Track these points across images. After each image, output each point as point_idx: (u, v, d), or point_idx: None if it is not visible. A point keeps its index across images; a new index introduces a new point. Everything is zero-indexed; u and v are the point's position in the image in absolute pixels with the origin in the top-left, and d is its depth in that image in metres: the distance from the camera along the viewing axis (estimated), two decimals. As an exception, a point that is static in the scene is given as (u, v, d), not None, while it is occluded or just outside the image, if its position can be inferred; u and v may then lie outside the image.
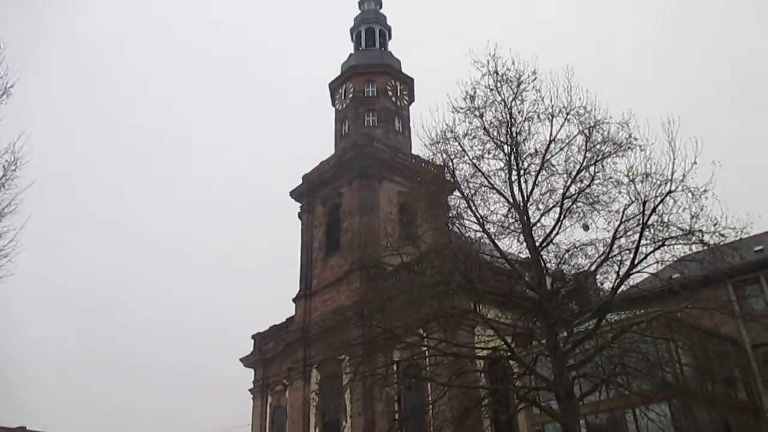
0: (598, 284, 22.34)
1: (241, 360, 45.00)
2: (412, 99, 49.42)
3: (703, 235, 16.13)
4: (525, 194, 19.16)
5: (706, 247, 16.37)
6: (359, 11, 52.95)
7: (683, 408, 21.15)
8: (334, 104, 49.57)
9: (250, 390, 44.02)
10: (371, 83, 47.18)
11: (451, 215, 21.66)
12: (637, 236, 16.78)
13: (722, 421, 24.47)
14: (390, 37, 52.26)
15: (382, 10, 53.25)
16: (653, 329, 20.50)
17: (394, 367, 24.50)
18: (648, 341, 19.59)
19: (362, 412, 32.52)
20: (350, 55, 50.71)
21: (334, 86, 49.22)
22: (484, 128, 20.28)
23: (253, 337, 45.22)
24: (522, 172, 19.44)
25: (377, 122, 45.54)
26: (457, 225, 21.38)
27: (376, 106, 46.25)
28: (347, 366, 31.45)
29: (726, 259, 16.21)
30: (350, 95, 47.38)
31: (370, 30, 51.18)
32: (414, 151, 41.87)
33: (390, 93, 47.24)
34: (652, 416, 20.18)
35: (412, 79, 49.26)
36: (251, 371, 44.52)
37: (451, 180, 21.67)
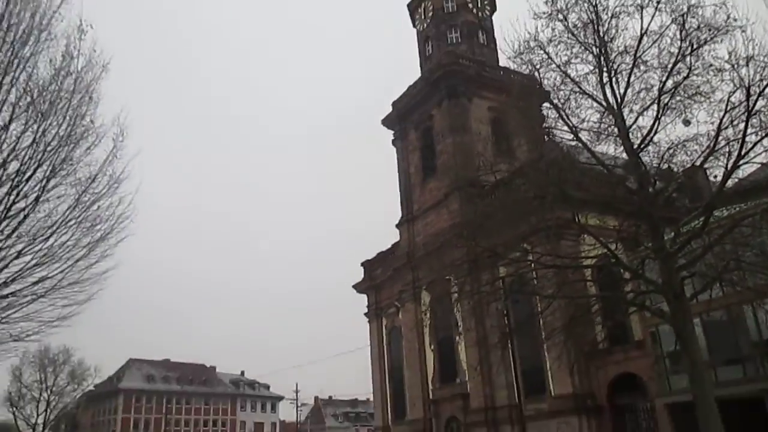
0: (707, 179, 21.39)
1: (354, 287, 47.09)
2: (494, 8, 47.59)
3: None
4: (618, 96, 18.31)
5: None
6: None
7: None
8: (414, 25, 48.65)
9: (365, 314, 46.19)
10: (450, -2, 45.72)
11: (545, 126, 21.22)
12: (743, 125, 15.78)
13: None
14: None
15: None
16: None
17: (500, 283, 24.77)
18: (764, 233, 18.68)
19: (473, 327, 33.45)
20: (426, -30, 49.11)
21: (413, 6, 48.14)
22: (569, 31, 19.31)
23: (362, 264, 47.07)
24: (613, 72, 18.51)
25: (461, 38, 44.40)
26: (551, 136, 20.94)
27: (457, 21, 44.99)
28: (455, 285, 32.23)
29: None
30: (430, 13, 46.31)
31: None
32: (501, 63, 40.73)
33: (470, 5, 45.71)
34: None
35: (492, -13, 47.27)
36: (364, 297, 46.56)
37: (542, 89, 21.09)
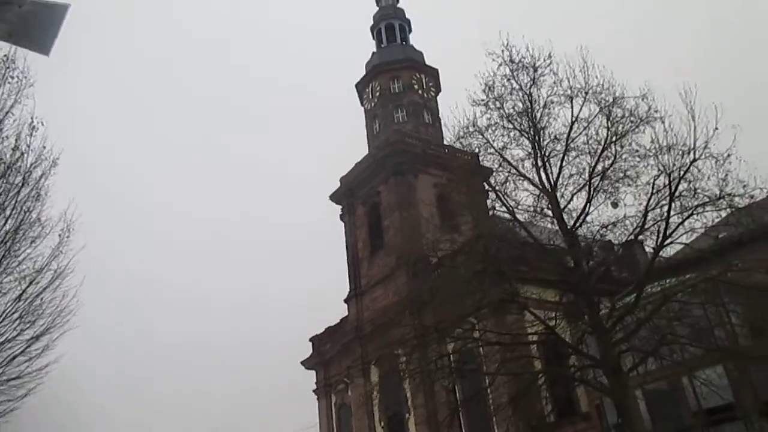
0: (644, 251, 22.52)
1: (302, 363, 46.37)
2: (438, 89, 49.75)
3: (732, 199, 16.25)
4: (552, 179, 19.49)
5: (733, 210, 16.47)
6: (377, 8, 53.41)
7: (738, 369, 21.13)
8: (362, 104, 50.31)
9: (314, 391, 45.35)
10: (396, 79, 47.77)
11: (488, 203, 22.20)
12: (666, 208, 16.96)
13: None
14: (410, 30, 52.63)
15: (399, 5, 53.62)
16: (700, 294, 20.61)
17: (447, 359, 25.09)
18: (695, 308, 19.71)
19: (423, 403, 33.32)
20: (373, 53, 51.25)
21: (361, 86, 49.93)
22: (506, 118, 20.65)
23: (311, 339, 46.54)
24: (547, 157, 19.75)
25: (407, 117, 46.10)
26: (494, 212, 21.90)
27: (404, 102, 46.80)
28: (403, 361, 32.29)
29: (758, 218, 16.28)
30: (377, 93, 48.05)
31: (390, 26, 51.63)
32: (446, 141, 42.31)
33: (416, 86, 47.70)
34: (706, 380, 20.31)
35: (436, 70, 49.61)
36: (312, 373, 45.85)
37: (483, 168, 22.20)
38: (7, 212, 12.24)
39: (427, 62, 49.96)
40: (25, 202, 12.63)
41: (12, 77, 12.49)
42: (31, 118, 12.95)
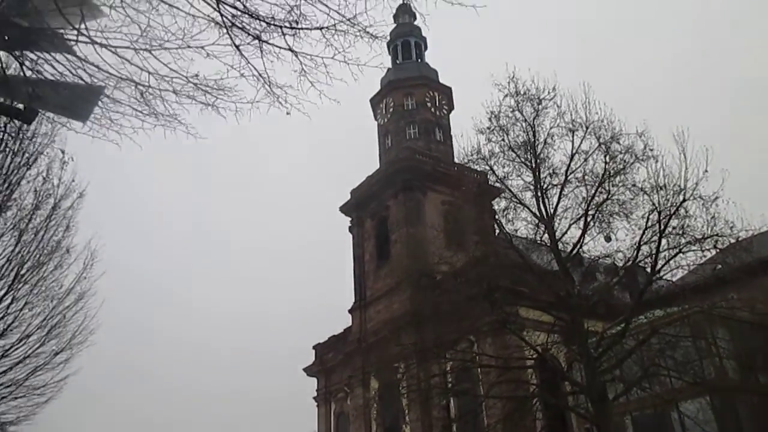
0: (639, 281, 23.20)
1: (304, 370, 47.25)
2: (451, 107, 50.62)
3: (718, 239, 16.97)
4: (550, 209, 20.29)
5: (717, 251, 17.21)
6: (394, 25, 54.37)
7: (723, 401, 21.73)
8: (376, 119, 51.25)
9: (314, 398, 46.20)
10: (410, 96, 48.66)
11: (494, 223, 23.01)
12: (656, 244, 17.72)
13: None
14: (426, 48, 53.50)
15: (417, 23, 54.56)
16: (691, 325, 21.30)
17: (445, 377, 25.84)
18: (680, 341, 20.38)
19: (419, 417, 34.02)
20: (388, 69, 52.07)
21: (375, 102, 50.88)
22: (509, 148, 21.50)
23: (314, 347, 47.44)
24: (546, 187, 20.57)
25: (418, 134, 46.97)
26: (497, 235, 22.75)
27: (416, 119, 47.69)
28: (403, 373, 33.06)
29: (740, 257, 17.01)
30: (390, 109, 48.97)
31: (407, 43, 52.59)
32: (456, 159, 43.13)
33: (429, 104, 48.58)
34: (692, 410, 20.97)
35: (449, 89, 50.47)
36: (314, 381, 46.70)
37: (491, 187, 23.08)
38: (37, 242, 13.52)
39: (441, 80, 50.85)
40: (55, 233, 13.98)
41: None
42: (62, 152, 14.01)
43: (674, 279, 19.33)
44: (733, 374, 24.12)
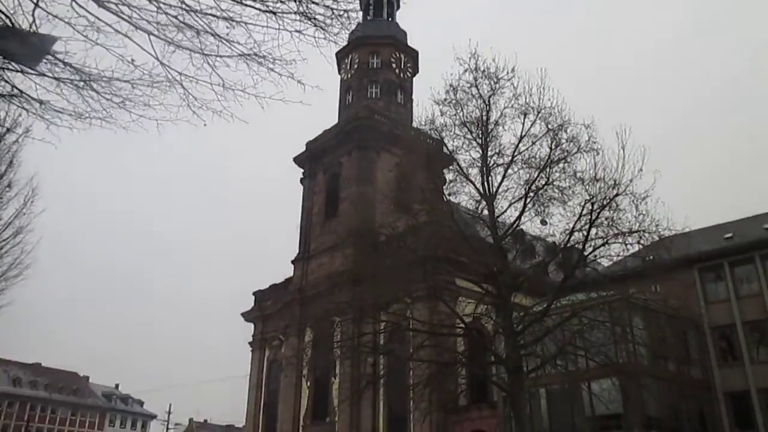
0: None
1: (242, 314, 47.73)
2: (416, 71, 50.63)
3: (641, 236, 17.97)
4: (493, 187, 20.95)
5: (641, 246, 18.26)
6: (370, -21, 53.50)
7: (630, 383, 23.23)
8: (340, 73, 50.85)
9: (249, 343, 46.83)
10: (376, 55, 48.46)
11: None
12: (585, 233, 18.62)
13: (677, 394, 26.87)
14: (398, 7, 53.03)
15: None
16: (610, 311, 22.55)
17: (375, 336, 26.67)
18: (597, 325, 21.59)
19: (349, 370, 35.06)
20: (358, 24, 51.43)
21: (341, 56, 50.29)
22: (463, 122, 21.95)
23: (254, 293, 47.87)
24: (493, 165, 21.18)
25: (380, 94, 47.01)
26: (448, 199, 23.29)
27: (379, 78, 47.63)
28: (338, 327, 33.86)
29: (659, 254, 18.11)
30: (355, 66, 48.68)
31: (379, 1, 51.98)
32: (415, 123, 43.31)
33: (394, 65, 48.50)
34: (602, 388, 22.44)
35: (416, 52, 50.43)
36: (251, 326, 47.29)
37: (445, 155, 23.51)
38: None
39: (410, 43, 50.70)
40: None
41: None
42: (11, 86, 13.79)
43: (600, 268, 20.36)
44: (644, 360, 25.77)
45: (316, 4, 6.07)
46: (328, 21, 6.27)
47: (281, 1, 5.99)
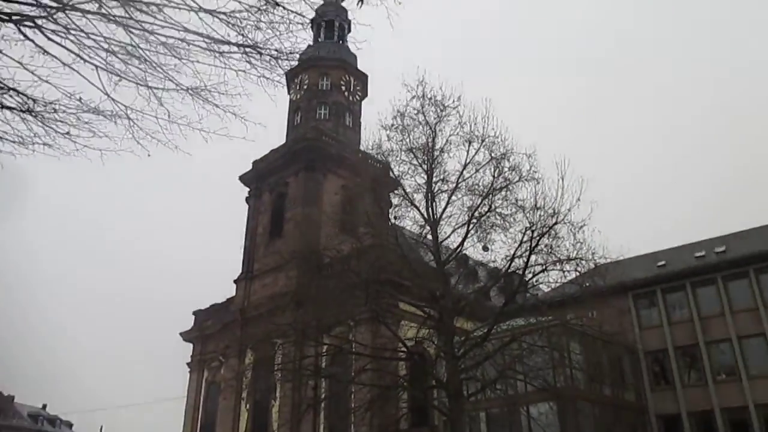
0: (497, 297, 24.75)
1: (181, 334, 46.55)
2: (365, 94, 51.06)
3: (578, 264, 18.58)
4: (437, 212, 21.30)
5: (578, 273, 18.89)
6: (321, 2, 53.84)
7: (567, 407, 23.79)
8: (289, 93, 50.82)
9: (188, 364, 45.66)
10: (326, 77, 48.72)
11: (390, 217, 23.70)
12: (525, 260, 19.12)
13: (612, 418, 27.58)
14: (349, 31, 53.47)
15: (343, 4, 54.32)
16: (548, 336, 23.09)
17: (317, 359, 26.49)
18: (536, 350, 22.09)
19: (290, 395, 34.63)
20: (309, 46, 51.76)
21: (290, 76, 50.28)
22: (409, 148, 22.29)
23: (194, 313, 46.83)
24: (437, 191, 21.54)
25: (329, 115, 47.19)
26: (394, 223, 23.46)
27: (328, 100, 47.86)
28: (279, 349, 33.42)
29: (595, 281, 18.77)
30: (305, 86, 48.78)
31: (331, 23, 52.38)
32: (362, 147, 43.58)
33: (343, 88, 48.84)
34: (540, 412, 22.84)
35: (366, 76, 50.90)
36: (190, 346, 46.16)
37: (391, 179, 23.73)
38: None
39: (360, 67, 51.14)
40: None
41: None
42: None
43: (539, 294, 20.90)
44: (581, 384, 26.41)
45: (260, 54, 6.21)
46: (273, 63, 6.39)
47: (226, 43, 6.10)
